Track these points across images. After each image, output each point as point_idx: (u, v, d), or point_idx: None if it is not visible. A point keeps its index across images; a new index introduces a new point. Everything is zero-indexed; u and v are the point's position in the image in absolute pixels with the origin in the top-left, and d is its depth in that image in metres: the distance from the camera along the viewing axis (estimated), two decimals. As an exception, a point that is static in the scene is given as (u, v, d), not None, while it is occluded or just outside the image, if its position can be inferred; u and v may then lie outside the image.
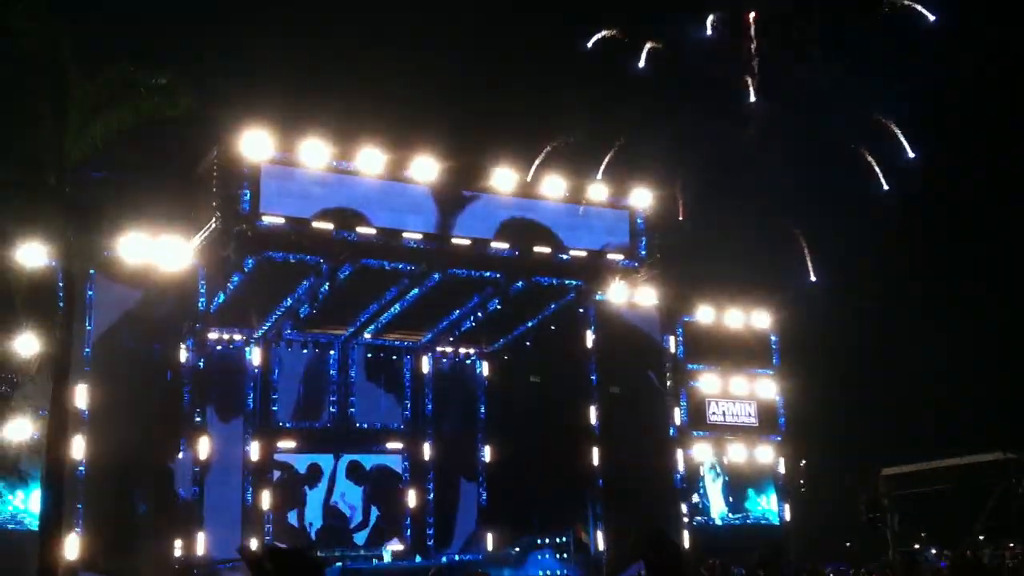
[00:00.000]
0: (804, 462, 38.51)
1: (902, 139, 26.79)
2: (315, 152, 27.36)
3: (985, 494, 31.88)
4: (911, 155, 27.68)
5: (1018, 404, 37.02)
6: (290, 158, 27.21)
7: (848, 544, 37.51)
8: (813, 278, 32.01)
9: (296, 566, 4.04)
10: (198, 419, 29.03)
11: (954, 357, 39.25)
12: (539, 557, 32.91)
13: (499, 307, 32.88)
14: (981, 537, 33.04)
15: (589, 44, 26.87)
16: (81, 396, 26.32)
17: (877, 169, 28.12)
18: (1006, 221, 38.98)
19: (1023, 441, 31.30)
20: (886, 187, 28.41)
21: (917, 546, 35.48)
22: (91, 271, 25.99)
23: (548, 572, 32.02)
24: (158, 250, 27.34)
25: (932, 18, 24.70)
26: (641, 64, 27.25)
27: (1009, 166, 39.58)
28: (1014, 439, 31.55)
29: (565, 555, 32.98)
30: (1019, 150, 39.33)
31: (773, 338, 37.78)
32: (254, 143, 26.51)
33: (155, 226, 27.09)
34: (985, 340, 38.59)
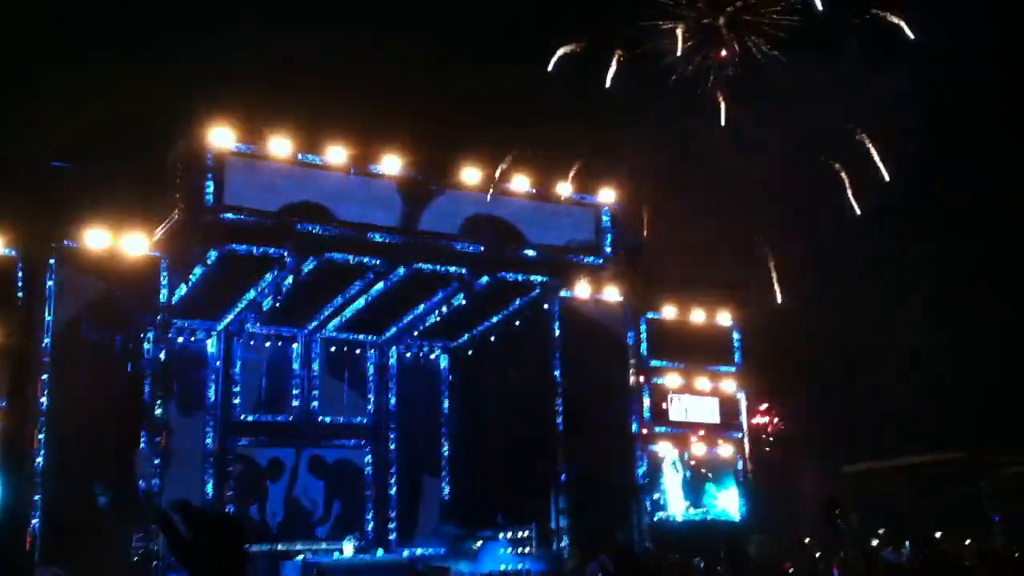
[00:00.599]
0: (770, 448, 38.81)
1: (878, 161, 26.98)
2: (281, 145, 27.21)
3: (945, 493, 32.33)
4: (887, 178, 27.87)
5: (978, 404, 37.50)
6: (255, 150, 27.04)
7: (807, 540, 37.77)
8: (779, 299, 32.30)
9: (212, 526, 3.75)
10: (159, 411, 28.78)
11: (916, 357, 39.69)
12: (499, 551, 32.94)
13: (464, 303, 32.88)
14: (938, 535, 33.43)
15: (550, 67, 26.98)
16: (41, 387, 26.03)
17: (850, 194, 28.32)
18: (976, 223, 39.43)
19: (983, 441, 31.75)
20: (858, 211, 28.61)
21: (876, 543, 35.81)
22: (52, 261, 25.74)
23: (506, 566, 32.04)
24: (120, 241, 27.11)
25: (911, 36, 24.87)
26: (608, 80, 27.30)
27: (982, 169, 40.00)
28: (974, 439, 32.00)
29: (528, 549, 33.03)
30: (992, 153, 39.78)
31: (736, 336, 38.05)
32: (219, 135, 26.31)
33: (118, 216, 26.84)
34: (947, 340, 39.02)
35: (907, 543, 32.53)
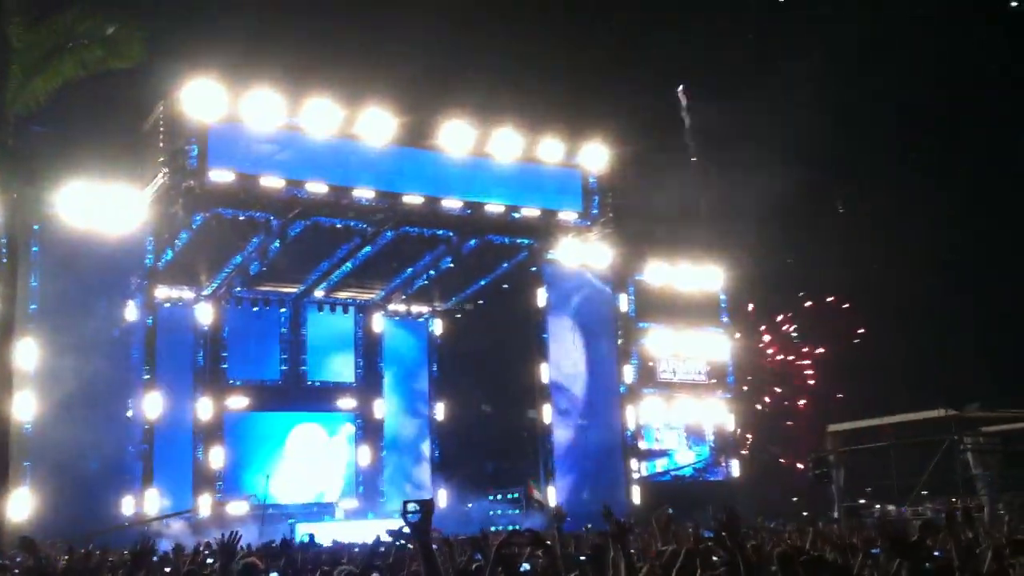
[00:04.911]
0: (759, 408, 38.95)
1: None
2: (265, 107, 27.00)
3: (929, 450, 32.43)
4: None
5: (961, 361, 37.63)
6: (239, 113, 26.82)
7: (795, 499, 38.07)
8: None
9: None
10: (147, 376, 28.82)
11: (900, 314, 39.78)
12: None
13: (451, 265, 32.93)
14: (924, 492, 33.63)
15: None
16: (27, 353, 26.01)
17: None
18: (965, 172, 39.36)
19: (966, 397, 31.83)
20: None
21: (863, 501, 36.03)
22: (36, 226, 25.60)
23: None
24: (105, 206, 26.96)
25: None
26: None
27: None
28: (957, 396, 32.09)
29: (518, 510, 33.30)
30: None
31: (722, 296, 38.14)
32: (202, 98, 26.11)
33: (102, 181, 26.70)
34: (930, 297, 39.09)
35: (889, 506, 32.81)
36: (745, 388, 38.86)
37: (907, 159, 39.09)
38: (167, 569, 12.44)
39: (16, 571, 13.72)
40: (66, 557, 13.11)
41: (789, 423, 41.40)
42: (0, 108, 20.80)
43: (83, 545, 16.45)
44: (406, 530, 5.85)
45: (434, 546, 6.22)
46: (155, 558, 12.56)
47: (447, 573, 7.00)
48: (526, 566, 8.68)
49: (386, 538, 11.28)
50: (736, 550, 7.07)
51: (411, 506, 5.54)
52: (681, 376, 37.10)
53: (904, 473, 32.56)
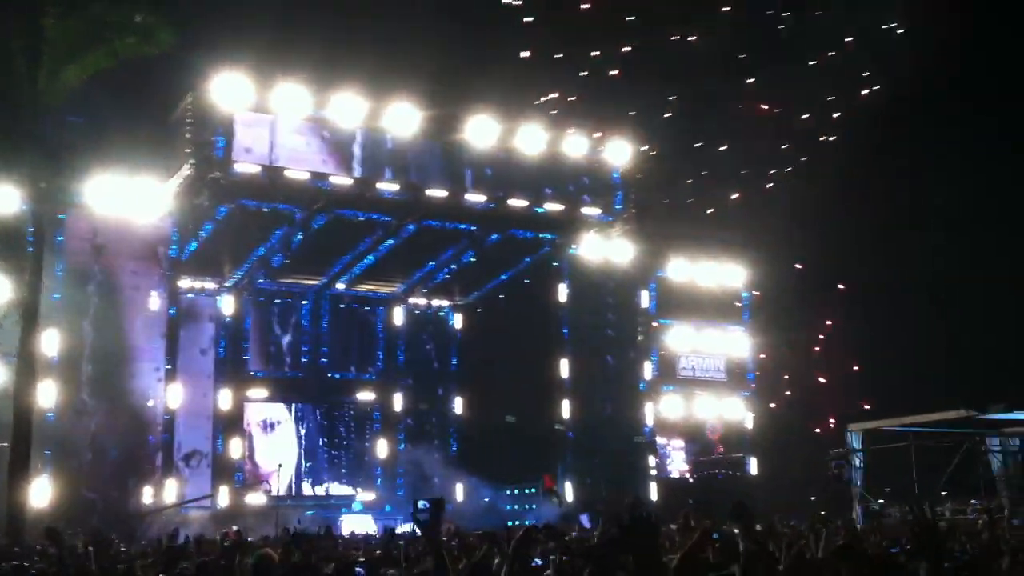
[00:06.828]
0: (774, 405, 38.73)
1: None
2: (291, 100, 27.04)
3: (949, 450, 32.27)
4: None
5: (982, 361, 37.35)
6: (265, 106, 26.89)
7: (813, 498, 37.98)
8: None
9: None
10: (168, 366, 28.92)
11: (919, 313, 39.52)
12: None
13: (473, 259, 32.90)
14: (944, 493, 33.47)
15: None
16: (51, 341, 26.11)
17: None
18: (969, 167, 38.94)
19: (986, 398, 31.63)
20: None
21: (881, 501, 35.95)
22: (62, 215, 25.71)
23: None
24: (130, 196, 27.05)
25: None
26: None
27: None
28: (978, 396, 31.89)
29: (535, 504, 33.29)
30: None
31: (744, 294, 38.03)
32: (229, 89, 26.13)
33: (128, 171, 26.79)
34: (949, 295, 38.79)
35: (906, 507, 32.59)
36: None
37: (947, 148, 38.58)
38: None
39: (38, 560, 13.74)
40: (84, 548, 13.14)
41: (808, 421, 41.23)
42: (32, 98, 20.81)
43: (103, 534, 16.51)
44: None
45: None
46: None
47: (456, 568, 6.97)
48: (538, 561, 8.69)
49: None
50: (755, 546, 7.03)
51: (421, 504, 5.47)
52: (700, 374, 37.03)
53: (925, 473, 32.39)
